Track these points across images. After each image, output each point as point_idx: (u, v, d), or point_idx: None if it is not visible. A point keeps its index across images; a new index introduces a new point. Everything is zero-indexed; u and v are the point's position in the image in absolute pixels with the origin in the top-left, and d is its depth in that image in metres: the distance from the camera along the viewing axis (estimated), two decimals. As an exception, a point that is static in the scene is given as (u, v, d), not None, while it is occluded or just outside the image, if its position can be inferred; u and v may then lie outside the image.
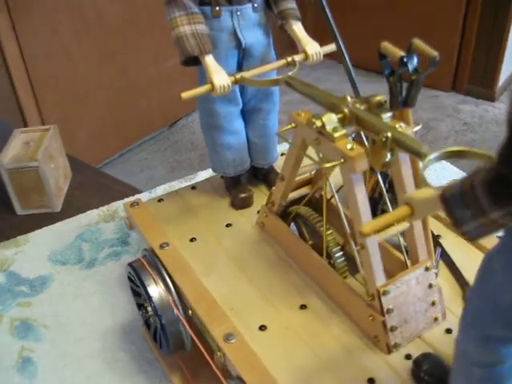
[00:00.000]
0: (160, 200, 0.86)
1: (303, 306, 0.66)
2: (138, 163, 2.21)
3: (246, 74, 0.68)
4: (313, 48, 0.71)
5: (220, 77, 0.67)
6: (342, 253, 0.67)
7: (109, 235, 1.01)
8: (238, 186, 0.83)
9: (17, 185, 1.59)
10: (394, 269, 0.64)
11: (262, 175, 0.86)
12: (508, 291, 0.41)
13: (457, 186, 0.38)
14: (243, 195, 0.82)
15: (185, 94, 0.66)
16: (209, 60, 0.67)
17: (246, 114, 0.80)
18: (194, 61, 0.68)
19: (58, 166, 1.70)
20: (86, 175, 1.86)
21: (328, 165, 0.56)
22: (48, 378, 0.77)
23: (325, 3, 0.68)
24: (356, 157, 0.54)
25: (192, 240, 0.77)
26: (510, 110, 0.32)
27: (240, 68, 0.74)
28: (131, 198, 0.95)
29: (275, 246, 0.75)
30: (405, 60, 0.53)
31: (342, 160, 0.55)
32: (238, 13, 0.70)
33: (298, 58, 0.71)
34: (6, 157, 1.58)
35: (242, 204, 0.82)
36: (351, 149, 0.55)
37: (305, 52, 0.71)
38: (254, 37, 0.72)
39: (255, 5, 0.71)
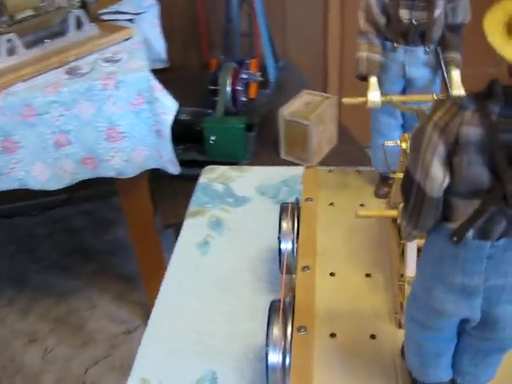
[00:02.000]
0: (330, 171, 1.13)
1: (368, 275, 0.88)
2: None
3: (395, 98, 0.90)
4: (457, 91, 0.88)
5: (374, 94, 0.90)
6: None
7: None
8: (384, 181, 1.05)
9: (288, 135, 2.00)
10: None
11: (409, 180, 1.06)
12: (419, 281, 0.60)
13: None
14: (385, 189, 1.04)
15: (345, 100, 0.91)
16: (372, 80, 0.91)
17: (404, 129, 1.00)
18: (365, 78, 0.92)
19: (325, 130, 2.05)
20: (348, 148, 2.15)
21: (394, 176, 0.77)
22: (212, 258, 1.13)
23: (443, 62, 0.85)
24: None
25: (330, 204, 1.03)
26: (403, 181, 0.53)
27: (404, 93, 0.95)
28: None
29: (383, 229, 0.96)
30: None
31: (405, 175, 0.76)
32: (411, 52, 0.91)
33: (441, 96, 0.89)
34: (287, 109, 1.99)
35: (380, 194, 1.04)
36: (413, 170, 0.75)
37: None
38: (419, 72, 0.92)
39: (427, 49, 0.90)
